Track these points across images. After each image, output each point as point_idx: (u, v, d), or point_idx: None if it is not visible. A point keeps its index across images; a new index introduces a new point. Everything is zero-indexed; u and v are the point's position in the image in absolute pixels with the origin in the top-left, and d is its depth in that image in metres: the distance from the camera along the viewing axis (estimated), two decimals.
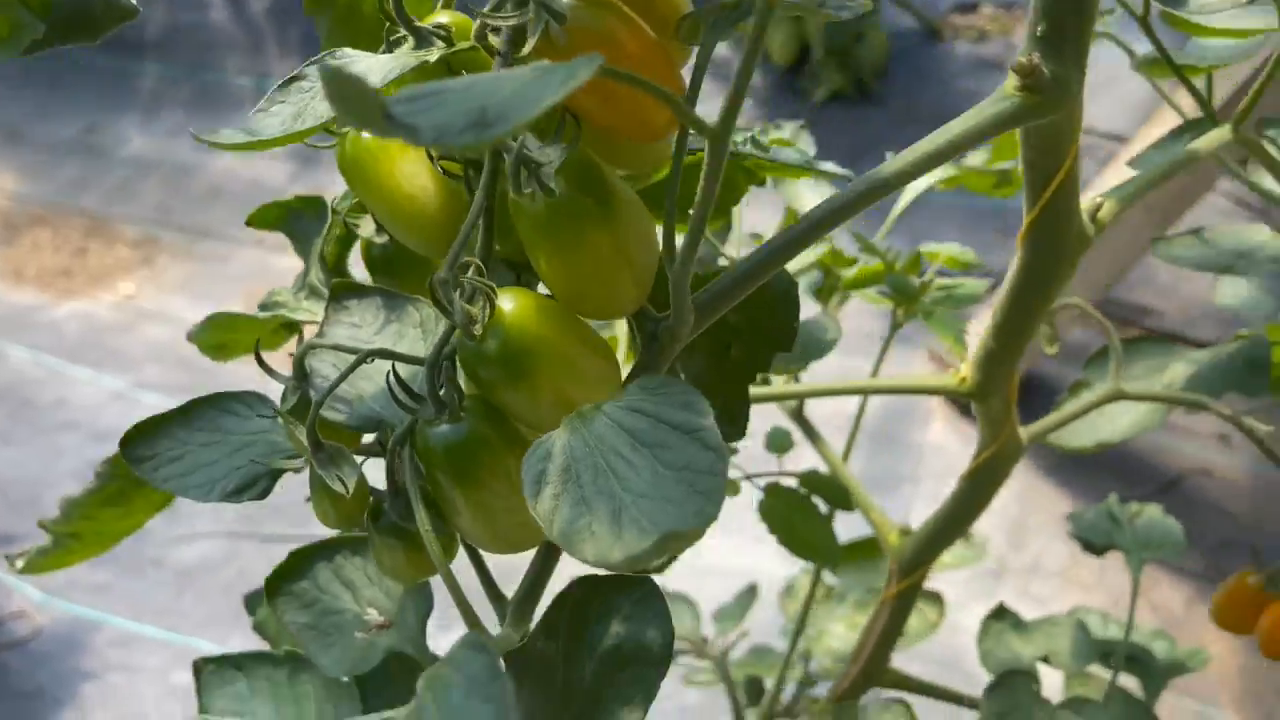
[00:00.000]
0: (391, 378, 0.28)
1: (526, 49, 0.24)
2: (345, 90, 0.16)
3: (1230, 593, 0.54)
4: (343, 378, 0.28)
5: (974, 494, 0.48)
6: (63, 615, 0.99)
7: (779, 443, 0.56)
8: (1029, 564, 1.07)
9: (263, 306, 0.39)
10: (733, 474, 0.53)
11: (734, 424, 0.37)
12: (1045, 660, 0.58)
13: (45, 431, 1.17)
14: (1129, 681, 0.64)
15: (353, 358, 0.29)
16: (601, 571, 0.29)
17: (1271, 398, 0.73)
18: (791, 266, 0.59)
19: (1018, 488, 1.10)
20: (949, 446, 1.16)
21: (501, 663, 0.27)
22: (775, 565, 0.99)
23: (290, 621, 0.37)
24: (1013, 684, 0.52)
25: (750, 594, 0.78)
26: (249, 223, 0.38)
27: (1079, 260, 0.38)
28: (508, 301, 0.27)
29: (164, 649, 1.01)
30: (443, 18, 0.30)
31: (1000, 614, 0.59)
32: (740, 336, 0.35)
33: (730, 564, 1.05)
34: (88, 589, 1.00)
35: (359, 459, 0.31)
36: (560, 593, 0.29)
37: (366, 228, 0.35)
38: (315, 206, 0.37)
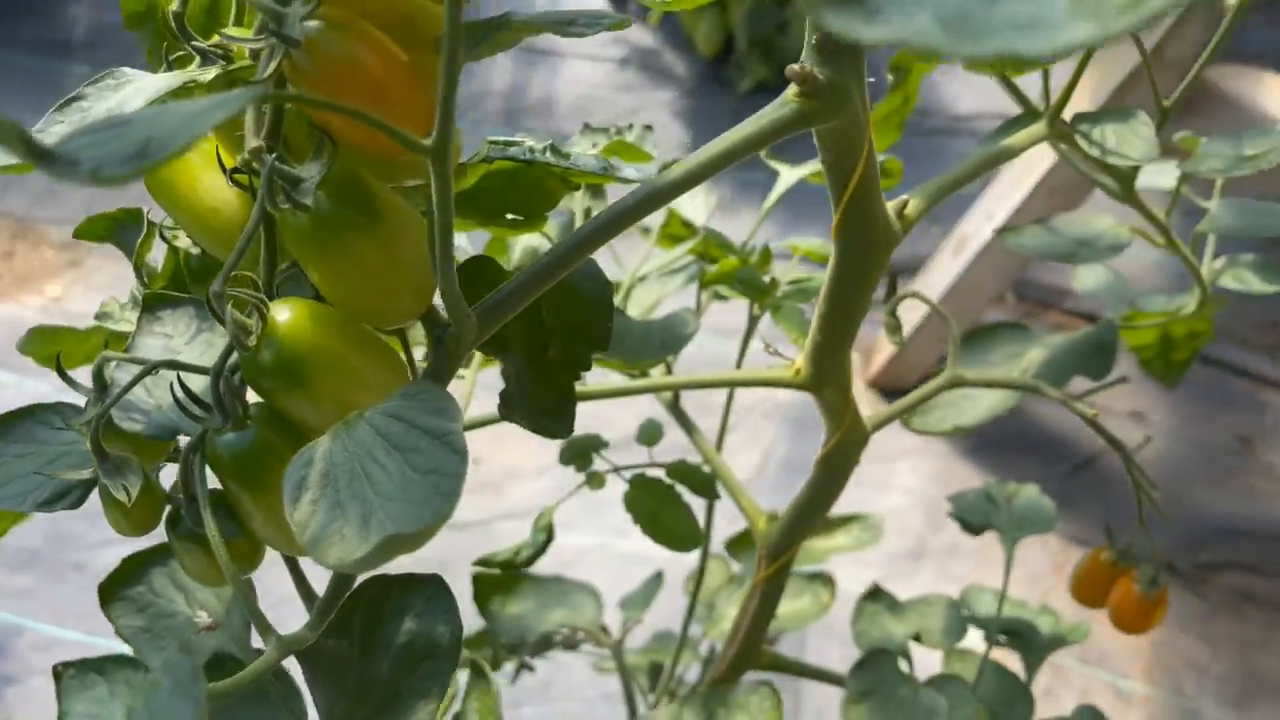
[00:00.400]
0: (178, 388, 0.29)
1: (267, 72, 0.25)
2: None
3: (1086, 568, 0.56)
4: (125, 391, 0.29)
5: (828, 480, 0.50)
6: None
7: (649, 435, 0.57)
8: (948, 544, 1.09)
9: (97, 317, 0.39)
10: (601, 467, 0.55)
11: (559, 420, 0.38)
12: (918, 639, 0.59)
13: None
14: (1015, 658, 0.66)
15: (164, 370, 0.30)
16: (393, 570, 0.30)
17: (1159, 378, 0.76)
18: (661, 261, 0.60)
19: (935, 470, 1.12)
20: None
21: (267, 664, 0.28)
22: (695, 553, 1.01)
23: (125, 626, 0.37)
24: (879, 663, 0.54)
25: (656, 581, 0.79)
26: (76, 235, 0.38)
27: (890, 254, 0.39)
28: (282, 312, 0.28)
29: (87, 653, 1.02)
30: (232, 34, 0.30)
31: (875, 595, 0.60)
32: (556, 337, 0.37)
33: (654, 552, 1.06)
34: (9, 594, 1.00)
35: (168, 467, 0.32)
36: (352, 592, 0.30)
37: (183, 239, 0.36)
38: (137, 218, 0.37)
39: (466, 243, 0.60)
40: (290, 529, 0.30)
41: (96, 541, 1.03)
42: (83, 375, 0.45)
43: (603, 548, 1.04)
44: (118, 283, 1.39)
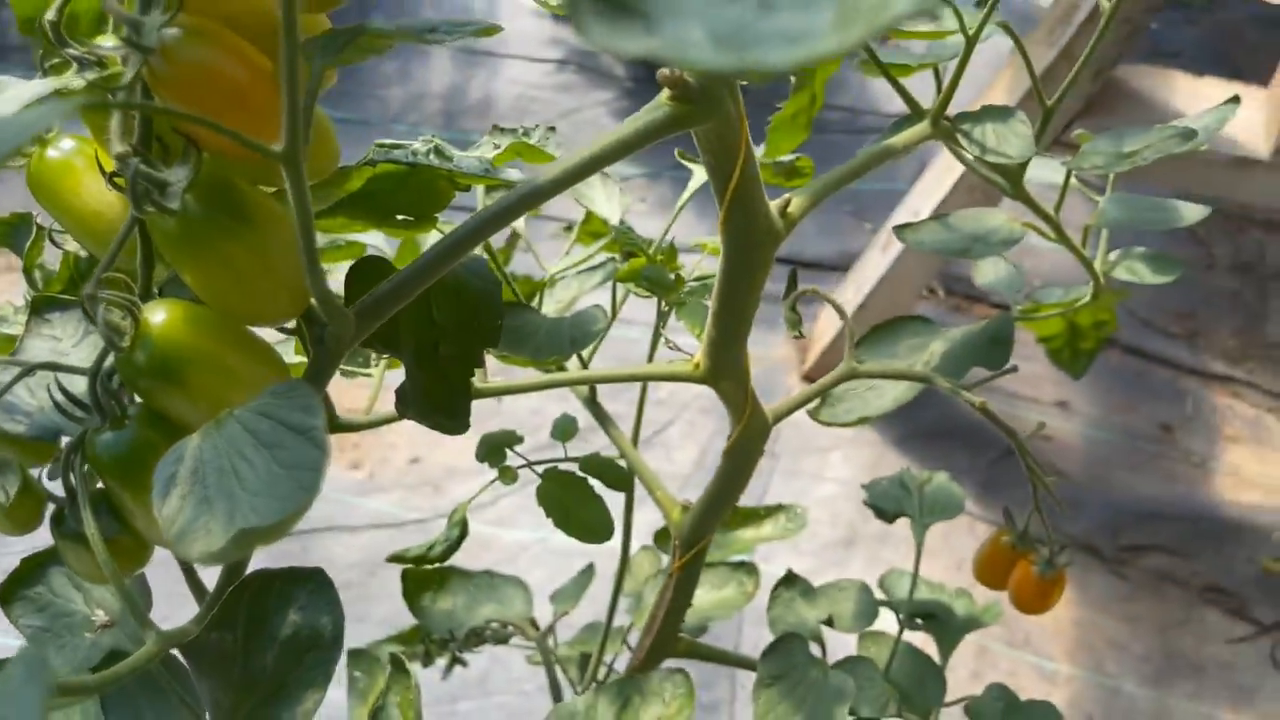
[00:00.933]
0: (55, 390, 0.29)
1: (125, 79, 0.25)
2: None
3: (987, 552, 0.58)
4: (0, 393, 0.29)
5: (734, 470, 0.51)
6: None
7: (564, 430, 0.58)
8: (879, 532, 1.11)
9: None
10: (514, 462, 0.56)
11: (454, 418, 0.39)
12: (829, 623, 0.61)
13: None
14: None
15: (52, 373, 0.31)
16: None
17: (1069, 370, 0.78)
18: (577, 259, 0.61)
19: (868, 459, 1.15)
20: (804, 423, 1.20)
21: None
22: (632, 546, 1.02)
23: (24, 625, 0.38)
24: (789, 647, 0.56)
25: (587, 574, 0.80)
26: None
27: (774, 251, 0.40)
28: (156, 313, 0.28)
29: (4, 655, 1.00)
30: (110, 41, 0.31)
31: (790, 581, 0.62)
32: (448, 335, 0.37)
33: (592, 547, 1.07)
34: None
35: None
36: (235, 586, 0.31)
37: (72, 242, 0.36)
38: (28, 222, 0.38)
39: (384, 244, 0.61)
40: None
41: (28, 547, 1.02)
42: None
43: (542, 542, 1.05)
44: None
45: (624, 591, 0.78)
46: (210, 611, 0.31)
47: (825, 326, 1.26)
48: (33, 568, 0.38)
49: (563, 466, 0.54)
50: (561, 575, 0.86)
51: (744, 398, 0.47)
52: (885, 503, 0.67)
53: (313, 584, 0.31)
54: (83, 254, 0.36)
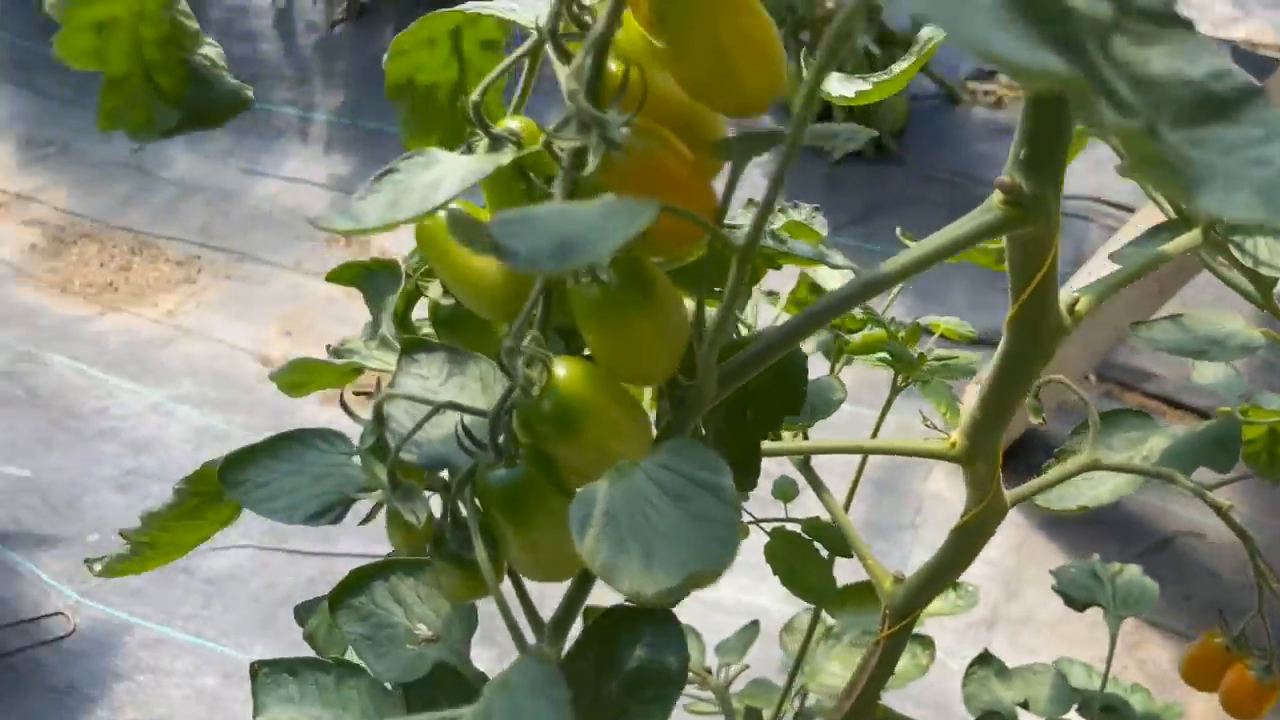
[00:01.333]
0: (459, 427, 0.33)
1: (589, 169, 0.29)
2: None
3: (1198, 652, 0.58)
4: (418, 426, 0.33)
5: (961, 548, 0.53)
6: (97, 616, 1.04)
7: (785, 491, 0.60)
8: (1021, 615, 1.11)
9: (335, 353, 0.44)
10: (743, 518, 0.58)
11: (747, 475, 0.42)
12: (1025, 706, 0.62)
13: (85, 439, 1.23)
14: None
15: (422, 406, 0.35)
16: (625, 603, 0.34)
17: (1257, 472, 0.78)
18: None
19: (1014, 541, 1.14)
20: (947, 496, 1.21)
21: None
22: (777, 603, 1.04)
23: (349, 632, 0.41)
24: None
25: (752, 629, 0.82)
26: (328, 279, 0.43)
27: (1056, 346, 0.42)
28: (561, 368, 0.32)
29: (191, 653, 1.06)
30: (514, 123, 0.35)
31: (985, 660, 0.63)
32: (756, 400, 0.41)
33: (736, 601, 1.09)
34: (122, 593, 1.05)
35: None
36: (594, 620, 0.34)
37: (434, 290, 0.40)
38: (389, 268, 0.42)
39: None
40: (540, 558, 0.34)
41: (206, 548, 1.08)
42: (263, 388, 0.49)
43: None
44: (229, 299, 1.46)
45: (789, 652, 0.80)
46: (559, 633, 0.34)
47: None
48: (360, 579, 0.41)
49: (788, 527, 0.57)
50: (705, 628, 0.87)
51: (992, 479, 0.49)
52: (1075, 591, 0.67)
53: (660, 622, 0.33)
54: (444, 301, 0.40)
